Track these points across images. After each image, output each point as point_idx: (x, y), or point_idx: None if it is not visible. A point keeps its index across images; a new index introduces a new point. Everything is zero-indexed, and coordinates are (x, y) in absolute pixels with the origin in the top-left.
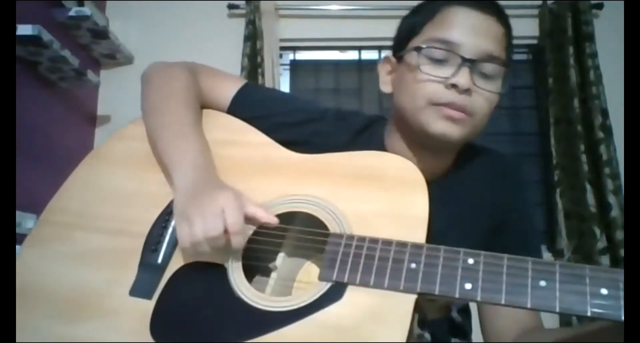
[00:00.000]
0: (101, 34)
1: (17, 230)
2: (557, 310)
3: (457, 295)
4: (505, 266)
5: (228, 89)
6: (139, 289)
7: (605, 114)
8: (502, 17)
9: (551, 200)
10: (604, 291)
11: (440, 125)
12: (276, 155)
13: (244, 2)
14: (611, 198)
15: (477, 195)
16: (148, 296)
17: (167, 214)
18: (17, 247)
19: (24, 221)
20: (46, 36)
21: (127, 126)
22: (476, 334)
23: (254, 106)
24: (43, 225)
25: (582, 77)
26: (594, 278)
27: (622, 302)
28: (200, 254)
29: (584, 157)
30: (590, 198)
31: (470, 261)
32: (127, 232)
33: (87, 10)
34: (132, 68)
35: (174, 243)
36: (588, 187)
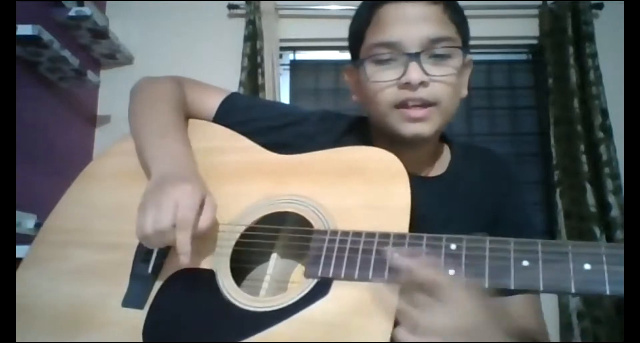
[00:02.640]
0: (101, 34)
1: (17, 230)
2: (541, 289)
3: None
4: (488, 249)
5: (214, 99)
6: (131, 300)
7: (605, 114)
8: None
9: (551, 200)
10: (587, 266)
11: (409, 128)
12: (260, 157)
13: (244, 2)
14: (611, 199)
15: (475, 192)
16: (140, 306)
17: None
18: (17, 247)
19: (24, 221)
20: (46, 36)
21: (114, 144)
22: None
23: (239, 112)
24: (38, 246)
25: (582, 77)
26: (576, 254)
27: (605, 276)
28: (152, 244)
29: (584, 157)
30: (590, 198)
31: (453, 247)
32: (119, 245)
33: (87, 10)
34: (132, 68)
35: (164, 253)
36: (588, 187)
